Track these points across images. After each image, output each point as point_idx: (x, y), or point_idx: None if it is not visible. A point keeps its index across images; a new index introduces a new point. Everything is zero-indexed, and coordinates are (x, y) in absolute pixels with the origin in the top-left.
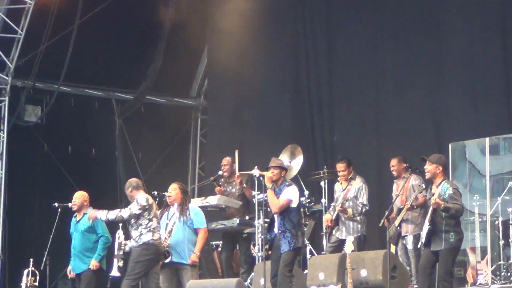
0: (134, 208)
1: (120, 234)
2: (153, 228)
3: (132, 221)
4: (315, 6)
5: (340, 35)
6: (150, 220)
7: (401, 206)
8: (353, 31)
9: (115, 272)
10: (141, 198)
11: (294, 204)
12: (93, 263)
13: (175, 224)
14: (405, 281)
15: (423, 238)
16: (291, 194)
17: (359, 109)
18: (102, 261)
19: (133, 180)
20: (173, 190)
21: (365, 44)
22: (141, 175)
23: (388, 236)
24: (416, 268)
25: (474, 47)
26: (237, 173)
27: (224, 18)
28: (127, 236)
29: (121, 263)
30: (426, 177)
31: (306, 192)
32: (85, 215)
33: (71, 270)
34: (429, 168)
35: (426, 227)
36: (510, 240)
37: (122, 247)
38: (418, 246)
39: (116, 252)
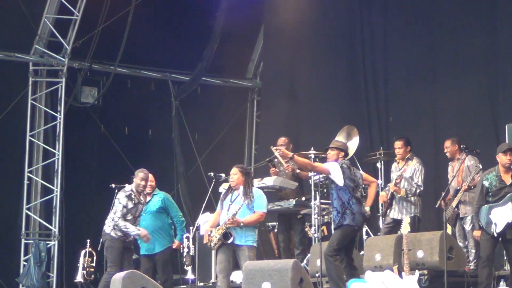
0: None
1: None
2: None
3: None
4: None
5: (396, 15)
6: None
7: (458, 188)
8: (409, 11)
9: (190, 276)
10: None
11: (339, 182)
12: (177, 244)
13: (242, 207)
14: (461, 262)
15: (499, 228)
16: (330, 166)
17: (415, 89)
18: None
19: None
20: (234, 175)
21: (421, 25)
22: (197, 156)
23: (445, 218)
24: (475, 248)
25: None
26: (285, 165)
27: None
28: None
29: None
30: (506, 166)
31: (361, 173)
32: (155, 196)
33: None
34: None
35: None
36: None
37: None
38: (495, 234)
39: (184, 257)
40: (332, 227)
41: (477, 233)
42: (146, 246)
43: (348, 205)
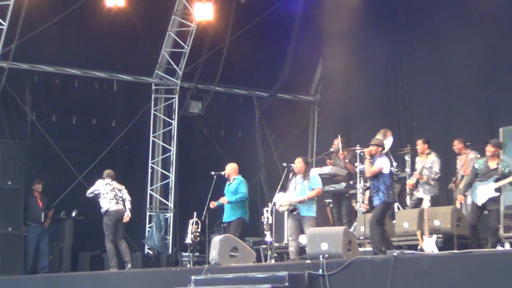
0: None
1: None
2: (110, 199)
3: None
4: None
5: (419, 40)
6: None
7: (463, 174)
8: (424, 30)
9: (268, 238)
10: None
11: (386, 171)
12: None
13: (300, 186)
14: (467, 229)
15: (482, 200)
16: (381, 163)
17: (429, 99)
18: (246, 215)
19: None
20: (298, 163)
21: (430, 42)
22: (274, 152)
23: (456, 196)
24: None
25: None
26: (341, 152)
27: (335, 25)
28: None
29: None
30: (487, 155)
31: (395, 164)
32: (234, 180)
33: (223, 220)
34: (491, 150)
35: (493, 192)
36: None
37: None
38: (480, 204)
39: (264, 225)
40: (376, 203)
41: (460, 197)
42: (225, 215)
43: (390, 187)
